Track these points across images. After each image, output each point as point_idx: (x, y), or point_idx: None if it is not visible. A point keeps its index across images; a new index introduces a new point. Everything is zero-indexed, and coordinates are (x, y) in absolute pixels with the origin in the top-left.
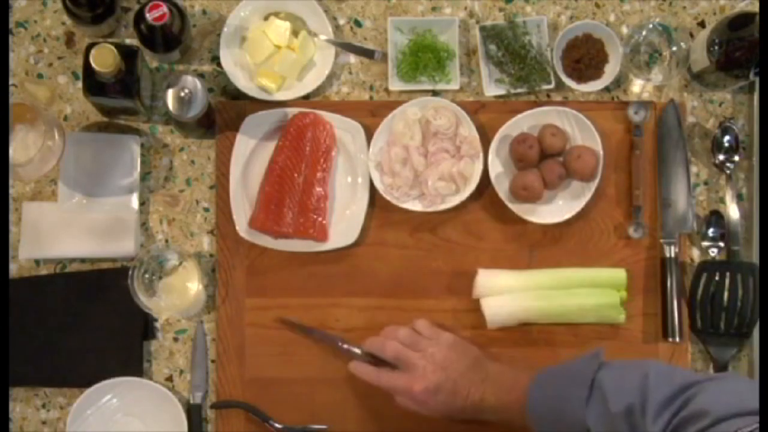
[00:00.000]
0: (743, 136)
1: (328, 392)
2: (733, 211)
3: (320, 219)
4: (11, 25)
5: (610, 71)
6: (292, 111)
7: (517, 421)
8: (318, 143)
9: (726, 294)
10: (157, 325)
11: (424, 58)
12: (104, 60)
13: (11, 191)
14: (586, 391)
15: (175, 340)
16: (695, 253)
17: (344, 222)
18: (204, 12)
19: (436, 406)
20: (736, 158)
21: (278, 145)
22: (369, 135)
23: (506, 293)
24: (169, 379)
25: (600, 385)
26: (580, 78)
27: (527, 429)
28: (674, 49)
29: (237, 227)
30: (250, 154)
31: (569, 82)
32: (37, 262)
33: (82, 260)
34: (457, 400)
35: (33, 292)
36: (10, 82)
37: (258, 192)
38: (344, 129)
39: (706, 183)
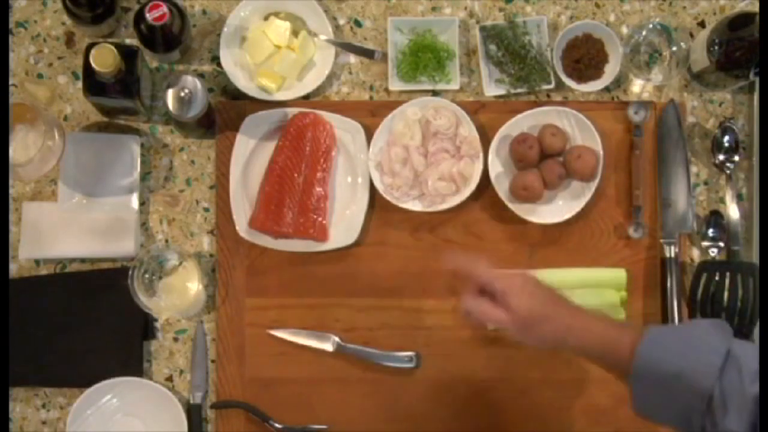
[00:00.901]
0: (743, 136)
1: (328, 392)
2: (733, 211)
3: (320, 219)
4: (11, 25)
5: (610, 71)
6: (292, 111)
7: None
8: (318, 143)
9: (726, 294)
10: (157, 325)
11: (424, 58)
12: (104, 60)
13: (11, 191)
14: (720, 359)
15: (175, 340)
16: (695, 253)
17: (344, 222)
18: (204, 12)
19: (538, 334)
20: (736, 158)
21: (278, 145)
22: (369, 135)
23: None
24: (169, 379)
25: (736, 357)
26: (580, 78)
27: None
28: (674, 49)
29: (237, 227)
30: (250, 154)
31: (569, 82)
32: (37, 262)
33: (82, 260)
34: (551, 325)
35: (33, 292)
36: (10, 82)
37: (258, 192)
38: (344, 129)
39: (706, 183)
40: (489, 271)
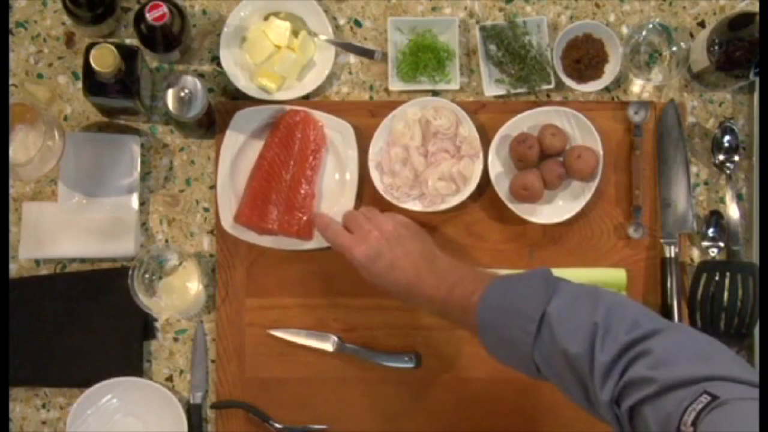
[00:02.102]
0: (743, 136)
1: (328, 392)
2: (733, 211)
3: (305, 217)
4: (11, 25)
5: (610, 71)
6: (282, 108)
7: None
8: (307, 141)
9: (726, 294)
10: (157, 325)
11: (424, 58)
12: (104, 60)
13: (11, 191)
14: (534, 326)
15: (175, 340)
16: (695, 253)
17: None
18: (204, 12)
19: (374, 273)
20: (736, 158)
21: (267, 142)
22: (369, 135)
23: None
24: (169, 379)
25: (549, 322)
26: (580, 78)
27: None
28: (674, 49)
29: (222, 222)
30: (239, 149)
31: (569, 82)
32: (37, 262)
33: (82, 260)
34: (395, 274)
35: (33, 292)
36: (10, 82)
37: (245, 187)
38: (334, 128)
39: (706, 183)
40: (348, 214)
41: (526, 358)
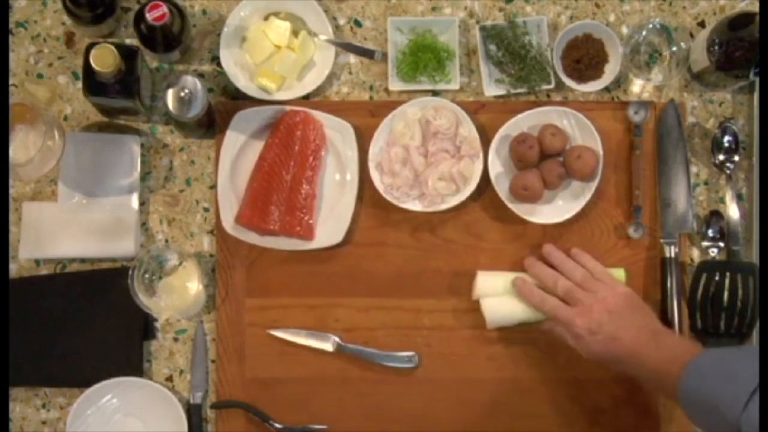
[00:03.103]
0: (743, 136)
1: (328, 392)
2: (733, 211)
3: (307, 218)
4: (11, 25)
5: (610, 71)
6: (282, 108)
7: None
8: (307, 142)
9: (726, 294)
10: (157, 325)
11: (424, 58)
12: (104, 60)
13: (11, 191)
14: (746, 395)
15: (175, 340)
16: (695, 253)
17: (332, 220)
18: (204, 12)
19: (593, 347)
20: (736, 158)
21: (268, 143)
22: (369, 135)
23: (506, 294)
24: (169, 379)
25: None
26: (580, 78)
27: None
28: (674, 49)
29: (223, 223)
30: (239, 150)
31: (569, 82)
32: (37, 262)
33: (82, 260)
34: (614, 347)
35: (33, 292)
36: (10, 82)
37: (246, 188)
38: (334, 128)
39: (706, 183)
40: (565, 285)
41: (731, 419)
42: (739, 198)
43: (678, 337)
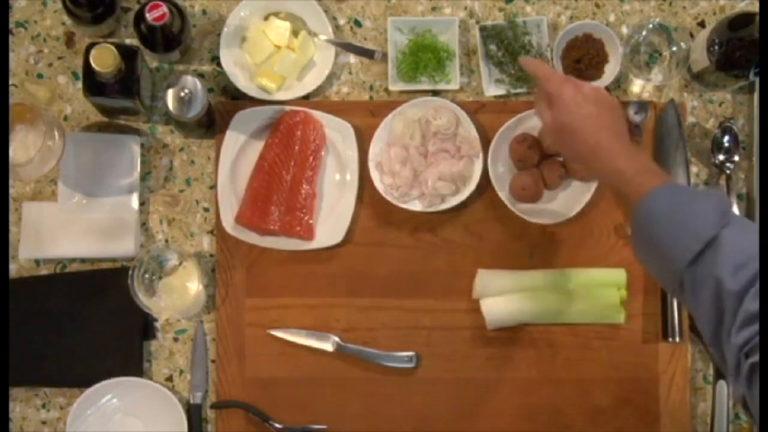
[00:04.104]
0: (743, 136)
1: (328, 392)
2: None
3: (307, 218)
4: (11, 25)
5: (610, 71)
6: (282, 109)
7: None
8: (307, 142)
9: None
10: (157, 325)
11: (424, 58)
12: (104, 60)
13: (11, 191)
14: (699, 246)
15: (175, 340)
16: None
17: (332, 220)
18: (204, 12)
19: (558, 139)
20: (736, 158)
21: (268, 143)
22: (369, 135)
23: (506, 294)
24: (169, 379)
25: (716, 248)
26: (580, 78)
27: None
28: (674, 49)
29: (223, 223)
30: (239, 150)
31: None
32: (37, 262)
33: (82, 260)
34: (575, 141)
35: (33, 292)
36: (10, 82)
37: (246, 188)
38: (334, 128)
39: (706, 183)
40: (548, 72)
41: (675, 273)
42: (739, 198)
43: (647, 154)
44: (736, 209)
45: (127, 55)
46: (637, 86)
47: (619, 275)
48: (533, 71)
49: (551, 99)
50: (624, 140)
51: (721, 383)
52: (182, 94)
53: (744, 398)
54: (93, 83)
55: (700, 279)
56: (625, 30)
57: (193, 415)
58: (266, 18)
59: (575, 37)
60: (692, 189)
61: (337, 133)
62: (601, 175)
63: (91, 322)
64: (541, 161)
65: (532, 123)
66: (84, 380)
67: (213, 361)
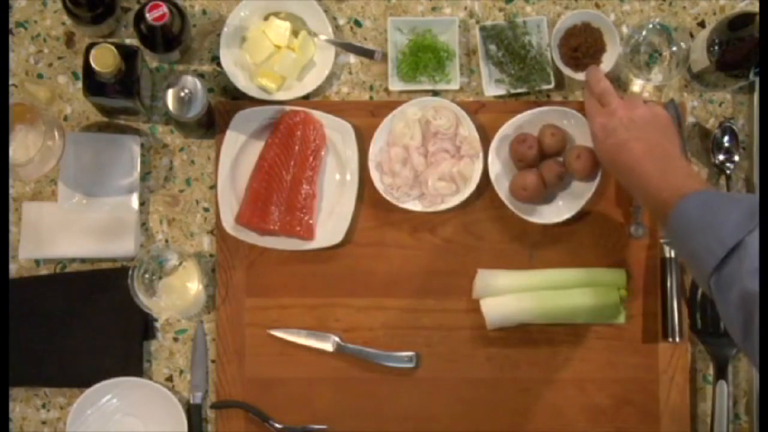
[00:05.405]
0: (743, 136)
1: (328, 392)
2: None
3: (307, 218)
4: (11, 25)
5: (608, 61)
6: (282, 108)
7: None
8: (307, 142)
9: None
10: (157, 325)
11: (424, 58)
12: (104, 60)
13: (11, 191)
14: (723, 251)
15: (175, 340)
16: None
17: (332, 221)
18: (204, 12)
19: (602, 149)
20: (736, 158)
21: (268, 143)
22: (369, 135)
23: (506, 294)
24: (169, 379)
25: (742, 253)
26: (577, 66)
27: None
28: (674, 49)
29: (223, 223)
30: (239, 150)
31: (566, 70)
32: (37, 262)
33: (82, 260)
34: (621, 155)
35: (33, 292)
36: (10, 82)
37: (246, 188)
38: (334, 128)
39: None
40: (607, 87)
41: (704, 275)
42: None
43: (690, 168)
44: None
45: (127, 55)
46: (637, 86)
47: (619, 275)
48: (593, 82)
49: (604, 113)
50: (664, 164)
51: (721, 383)
52: (182, 94)
53: None
54: (93, 83)
55: (726, 283)
56: (625, 30)
57: (193, 415)
58: (266, 18)
59: (574, 26)
60: (723, 193)
61: (337, 133)
62: (636, 195)
63: (91, 322)
64: (541, 161)
65: (532, 123)
66: (84, 380)
67: (213, 361)
